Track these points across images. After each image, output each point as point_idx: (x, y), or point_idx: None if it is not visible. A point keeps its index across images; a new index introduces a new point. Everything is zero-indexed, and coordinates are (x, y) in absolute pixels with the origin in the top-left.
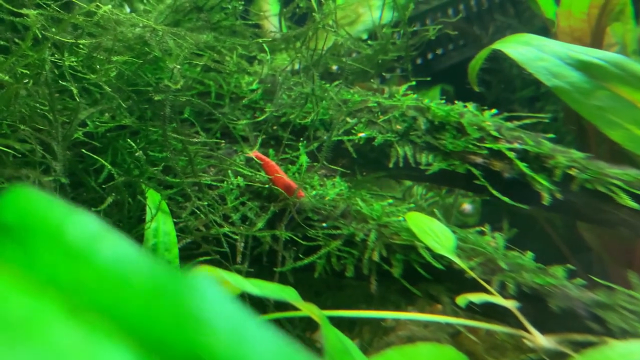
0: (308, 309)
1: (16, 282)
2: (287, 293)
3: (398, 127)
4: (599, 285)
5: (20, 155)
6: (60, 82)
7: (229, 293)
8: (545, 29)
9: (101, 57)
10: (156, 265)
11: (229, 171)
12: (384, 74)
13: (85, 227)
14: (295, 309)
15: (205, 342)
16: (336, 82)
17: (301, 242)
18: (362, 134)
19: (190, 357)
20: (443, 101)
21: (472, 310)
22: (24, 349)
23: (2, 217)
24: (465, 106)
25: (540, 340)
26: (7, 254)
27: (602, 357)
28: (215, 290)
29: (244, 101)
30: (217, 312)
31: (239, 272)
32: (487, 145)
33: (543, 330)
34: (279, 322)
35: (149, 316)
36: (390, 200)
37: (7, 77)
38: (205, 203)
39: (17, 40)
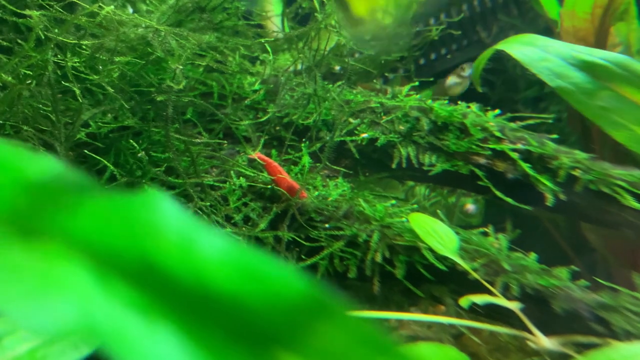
0: None
1: None
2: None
3: (401, 127)
4: (602, 286)
5: None
6: (63, 82)
7: (180, 206)
8: (549, 29)
9: (104, 57)
10: (113, 191)
11: (232, 172)
12: (386, 74)
13: (45, 165)
14: None
15: (156, 247)
16: (339, 83)
17: (304, 243)
18: (364, 135)
19: (141, 262)
20: (446, 101)
21: (475, 312)
22: None
23: None
24: (469, 106)
25: (544, 342)
26: None
27: (605, 358)
28: (166, 203)
29: (246, 102)
30: (168, 221)
31: None
32: (491, 146)
33: (546, 332)
34: None
35: (100, 231)
36: (393, 201)
37: (10, 78)
38: (208, 204)
39: (20, 41)
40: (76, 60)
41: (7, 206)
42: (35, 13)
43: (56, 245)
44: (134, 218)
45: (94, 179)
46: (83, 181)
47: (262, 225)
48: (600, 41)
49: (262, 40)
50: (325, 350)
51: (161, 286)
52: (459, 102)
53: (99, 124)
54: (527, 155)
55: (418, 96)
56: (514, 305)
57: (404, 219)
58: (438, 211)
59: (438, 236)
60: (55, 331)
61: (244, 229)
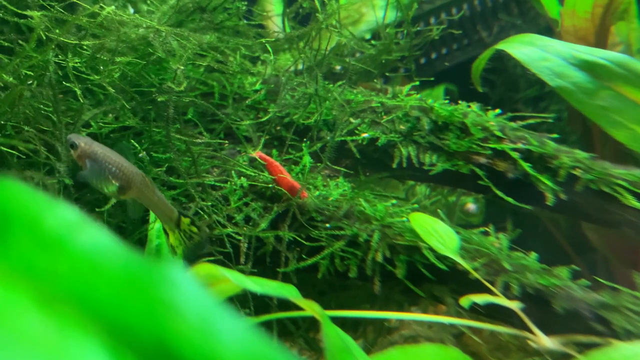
0: (309, 307)
1: None
2: (287, 291)
3: (401, 127)
4: (603, 286)
5: (24, 157)
6: (64, 83)
7: (201, 283)
8: (550, 29)
9: (105, 58)
10: (132, 255)
11: (233, 172)
12: (387, 74)
13: (63, 217)
14: (298, 308)
15: (173, 329)
16: (339, 83)
17: (304, 242)
18: (365, 135)
19: (158, 344)
20: (447, 101)
21: (476, 311)
22: None
23: None
24: (469, 106)
25: (545, 341)
26: None
27: (606, 358)
28: (187, 279)
29: (247, 102)
30: (188, 300)
31: (242, 272)
32: (491, 146)
33: (547, 331)
34: (281, 322)
35: (119, 304)
36: (394, 201)
37: (11, 79)
38: (209, 204)
39: (21, 41)
40: (77, 61)
41: (27, 263)
42: (36, 14)
43: (73, 315)
44: (153, 294)
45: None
46: (96, 237)
47: (263, 225)
48: (600, 40)
49: (263, 40)
50: None
51: None
52: (460, 102)
53: (100, 124)
54: (527, 155)
55: (419, 96)
56: (514, 305)
57: (404, 219)
58: (439, 210)
59: (439, 236)
60: None
61: (245, 228)
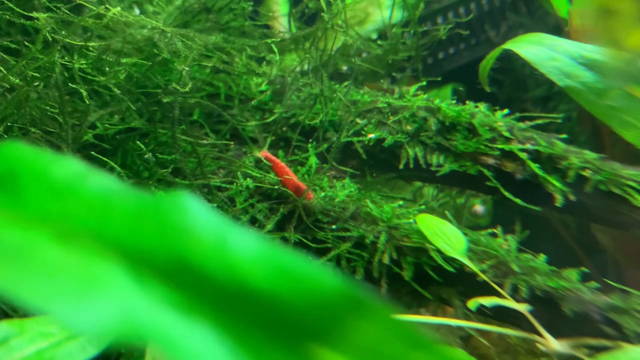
0: None
1: (7, 220)
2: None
3: (408, 127)
4: (613, 288)
5: None
6: (70, 84)
7: (211, 208)
8: (559, 28)
9: (110, 59)
10: (140, 192)
11: (239, 173)
12: (394, 74)
13: (70, 167)
14: None
15: (190, 247)
16: (345, 83)
17: (311, 244)
18: (372, 135)
19: (176, 262)
20: (454, 101)
21: (484, 314)
22: (24, 271)
23: None
24: (477, 106)
25: (554, 344)
26: None
27: None
28: (197, 204)
29: (253, 102)
30: (200, 222)
31: None
32: (499, 146)
33: (556, 334)
34: None
35: (135, 232)
36: (401, 202)
37: (17, 80)
38: (215, 205)
39: (27, 43)
40: (83, 62)
41: (40, 208)
42: (42, 15)
43: (91, 246)
44: (165, 219)
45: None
46: (105, 181)
47: (269, 227)
48: None
49: (269, 41)
50: (362, 346)
51: (198, 285)
52: (467, 102)
53: (106, 125)
54: (536, 156)
55: (426, 96)
56: (523, 307)
57: (411, 220)
58: (446, 212)
59: (446, 237)
60: (99, 331)
61: (251, 230)
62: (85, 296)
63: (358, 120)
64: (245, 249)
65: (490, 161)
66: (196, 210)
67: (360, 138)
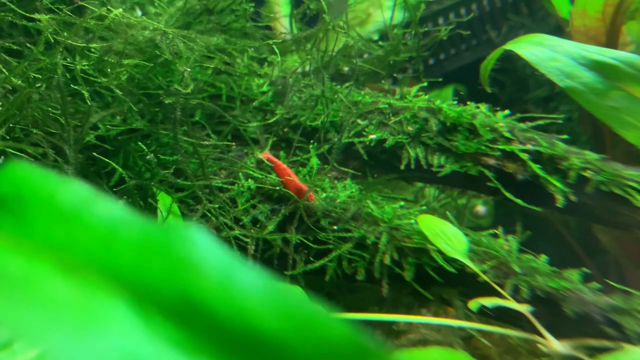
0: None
1: (11, 247)
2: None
3: (409, 128)
4: (615, 289)
5: (32, 159)
6: (72, 85)
7: (219, 241)
8: (560, 28)
9: (112, 60)
10: (148, 222)
11: (240, 174)
12: (395, 75)
13: (77, 192)
14: None
15: (196, 283)
16: (347, 84)
17: (312, 245)
18: (373, 136)
19: (182, 299)
20: (455, 102)
21: (485, 314)
22: (23, 305)
23: None
24: (478, 107)
25: (555, 345)
26: (1, 223)
27: None
28: (204, 237)
29: (254, 103)
30: (207, 257)
31: None
32: (500, 147)
33: (558, 335)
34: None
35: (140, 265)
36: (402, 203)
37: (19, 82)
38: (216, 206)
39: (29, 44)
40: (85, 63)
41: (46, 236)
42: (44, 17)
43: (96, 279)
44: (172, 253)
45: (102, 182)
46: (112, 208)
47: (271, 228)
48: (611, 40)
49: (270, 42)
50: None
51: (204, 324)
52: (468, 103)
53: (108, 126)
54: (537, 156)
55: (427, 97)
56: (524, 308)
57: (412, 221)
58: (447, 213)
59: (447, 238)
60: None
61: (252, 231)
62: (85, 333)
63: (359, 121)
64: (252, 288)
65: (492, 162)
66: (204, 244)
67: (362, 139)
